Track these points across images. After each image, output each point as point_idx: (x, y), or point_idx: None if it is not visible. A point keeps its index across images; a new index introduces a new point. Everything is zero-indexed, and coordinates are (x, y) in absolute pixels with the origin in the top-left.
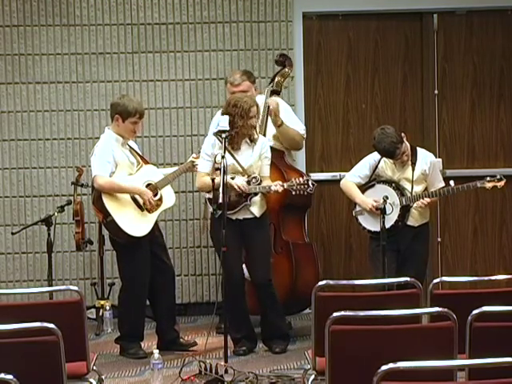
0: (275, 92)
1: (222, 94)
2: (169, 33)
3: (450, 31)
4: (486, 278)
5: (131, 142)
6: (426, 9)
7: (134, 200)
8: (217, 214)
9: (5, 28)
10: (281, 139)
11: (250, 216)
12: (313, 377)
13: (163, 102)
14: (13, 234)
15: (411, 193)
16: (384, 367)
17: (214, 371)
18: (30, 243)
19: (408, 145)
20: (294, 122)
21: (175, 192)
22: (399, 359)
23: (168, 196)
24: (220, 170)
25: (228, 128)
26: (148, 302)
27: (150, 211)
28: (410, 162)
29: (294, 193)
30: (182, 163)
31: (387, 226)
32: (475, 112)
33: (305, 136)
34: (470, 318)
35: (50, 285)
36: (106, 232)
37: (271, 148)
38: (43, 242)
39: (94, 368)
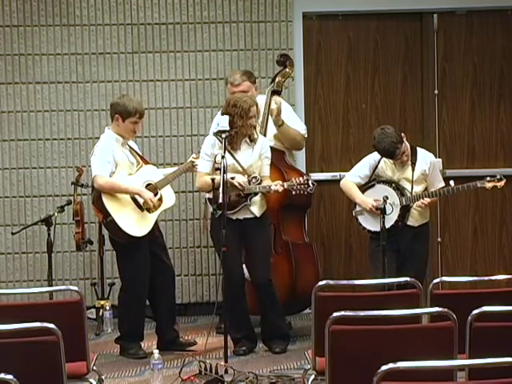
0: (276, 92)
1: (221, 94)
2: (169, 33)
3: (450, 31)
4: (486, 278)
5: (131, 142)
6: (425, 9)
7: (134, 200)
8: (217, 214)
9: (5, 28)
10: (281, 139)
11: (250, 216)
12: (313, 377)
13: (163, 101)
14: (13, 234)
15: (411, 193)
16: (384, 367)
17: (214, 371)
18: (30, 243)
19: (408, 145)
20: (295, 121)
21: (175, 192)
22: (399, 359)
23: (168, 196)
24: (220, 170)
25: (228, 128)
26: (148, 302)
27: (149, 211)
28: (409, 162)
29: (294, 193)
30: (182, 163)
31: (387, 226)
32: (475, 112)
33: (306, 136)
34: (469, 318)
35: (50, 285)
36: (105, 232)
37: (271, 148)
38: (43, 242)
39: (94, 368)
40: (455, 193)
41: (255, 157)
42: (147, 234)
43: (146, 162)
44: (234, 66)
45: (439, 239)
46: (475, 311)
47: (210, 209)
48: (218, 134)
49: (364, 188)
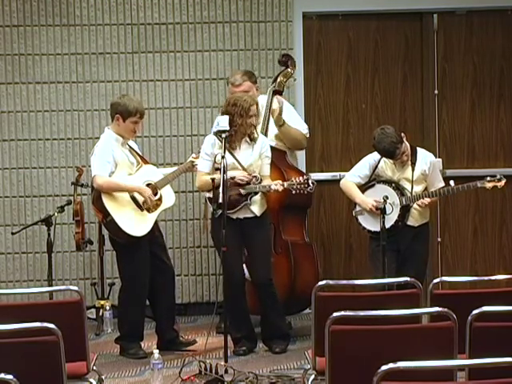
0: (277, 92)
1: (222, 94)
2: (169, 33)
3: (450, 31)
4: (486, 278)
5: (131, 142)
6: (426, 9)
7: (134, 200)
8: (217, 214)
9: (5, 28)
10: (283, 139)
11: (251, 215)
12: (313, 377)
13: (163, 101)
14: (13, 233)
15: (411, 193)
16: (384, 367)
17: (214, 371)
18: (30, 243)
19: (408, 145)
20: (297, 121)
21: (175, 192)
22: (399, 359)
23: (168, 196)
24: (220, 169)
25: (228, 128)
26: (148, 302)
27: (149, 211)
28: (409, 162)
29: (293, 192)
30: (181, 163)
31: (387, 226)
32: (475, 112)
33: (308, 136)
34: (469, 318)
35: (50, 285)
36: (105, 232)
37: (272, 148)
38: (43, 242)
39: (94, 368)
40: (455, 193)
41: (255, 156)
42: (147, 233)
43: (146, 162)
44: (234, 65)
45: (439, 239)
46: (475, 311)
47: (211, 208)
48: (217, 133)
49: (364, 188)
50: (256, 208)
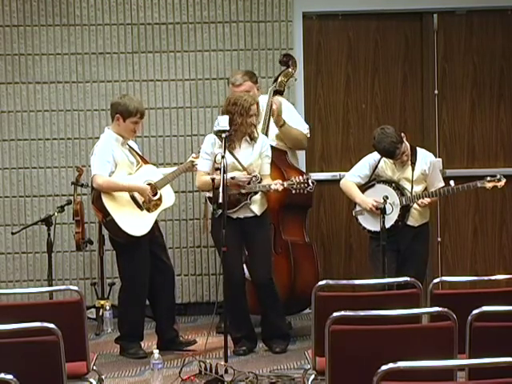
0: (278, 92)
1: (222, 94)
2: (169, 33)
3: (450, 31)
4: (486, 278)
5: (131, 142)
6: (426, 9)
7: (134, 199)
8: (217, 214)
9: (5, 28)
10: (283, 139)
11: (251, 214)
12: (313, 377)
13: (163, 101)
14: (13, 233)
15: (411, 193)
16: (384, 367)
17: (214, 371)
18: (30, 243)
19: (408, 145)
20: (298, 121)
21: (175, 192)
22: (399, 359)
23: (167, 196)
24: (220, 169)
25: (228, 128)
26: (148, 302)
27: (149, 210)
28: (409, 162)
29: (293, 192)
30: (181, 163)
31: (387, 225)
32: (475, 112)
33: (308, 135)
34: (469, 317)
35: (50, 285)
36: (105, 232)
37: (273, 147)
38: (43, 242)
39: (94, 368)
40: (455, 193)
41: (255, 155)
42: (147, 233)
43: (146, 162)
44: (234, 65)
45: (439, 239)
46: (475, 311)
47: (211, 208)
48: (217, 133)
49: (364, 188)
50: (256, 207)
